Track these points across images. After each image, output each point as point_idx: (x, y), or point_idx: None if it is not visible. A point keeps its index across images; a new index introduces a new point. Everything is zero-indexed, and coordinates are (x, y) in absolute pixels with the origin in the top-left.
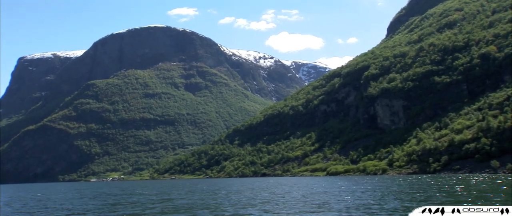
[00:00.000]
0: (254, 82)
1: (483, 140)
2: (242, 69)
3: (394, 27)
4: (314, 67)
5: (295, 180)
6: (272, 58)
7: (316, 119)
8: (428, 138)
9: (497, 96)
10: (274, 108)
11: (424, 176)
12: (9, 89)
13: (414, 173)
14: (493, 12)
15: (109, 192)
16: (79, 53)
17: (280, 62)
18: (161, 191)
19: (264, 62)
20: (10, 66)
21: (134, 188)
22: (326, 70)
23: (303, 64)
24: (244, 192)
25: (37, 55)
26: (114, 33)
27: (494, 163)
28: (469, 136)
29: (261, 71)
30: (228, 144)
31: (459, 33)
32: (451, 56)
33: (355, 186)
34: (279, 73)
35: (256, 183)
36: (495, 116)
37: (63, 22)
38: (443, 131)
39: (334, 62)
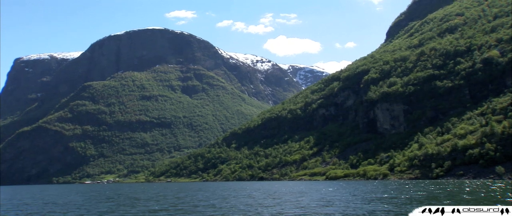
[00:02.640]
0: (251, 86)
1: (487, 145)
2: (239, 72)
3: (393, 32)
4: (311, 71)
5: (309, 185)
6: (269, 61)
7: (315, 123)
8: (430, 143)
9: (500, 101)
10: (272, 112)
11: (434, 181)
12: (4, 90)
13: (416, 178)
14: (495, 17)
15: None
16: (76, 54)
17: (278, 65)
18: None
19: (262, 65)
20: (6, 67)
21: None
22: (324, 74)
23: (300, 68)
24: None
25: (34, 56)
26: (112, 34)
27: (499, 168)
28: (473, 141)
29: (258, 75)
30: (225, 147)
31: (460, 37)
32: (452, 61)
33: (397, 191)
34: (276, 76)
35: (281, 187)
36: (499, 121)
37: (61, 23)
38: (446, 136)
39: (331, 66)
